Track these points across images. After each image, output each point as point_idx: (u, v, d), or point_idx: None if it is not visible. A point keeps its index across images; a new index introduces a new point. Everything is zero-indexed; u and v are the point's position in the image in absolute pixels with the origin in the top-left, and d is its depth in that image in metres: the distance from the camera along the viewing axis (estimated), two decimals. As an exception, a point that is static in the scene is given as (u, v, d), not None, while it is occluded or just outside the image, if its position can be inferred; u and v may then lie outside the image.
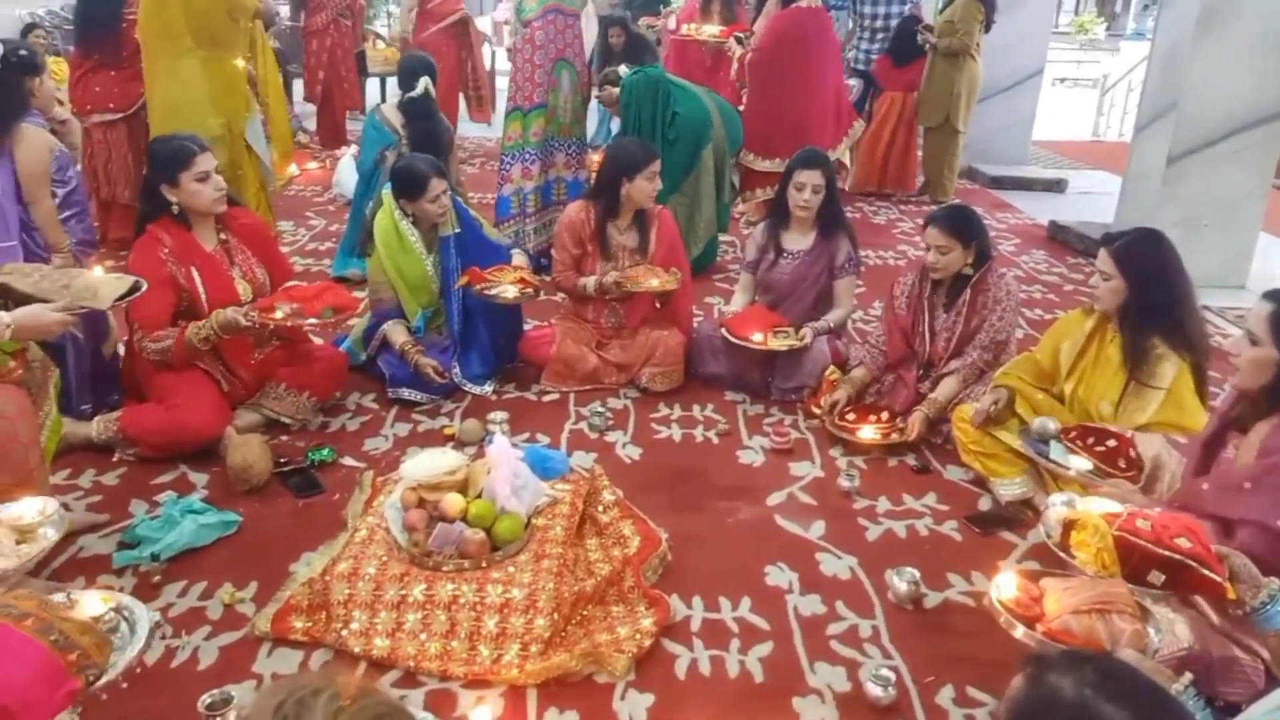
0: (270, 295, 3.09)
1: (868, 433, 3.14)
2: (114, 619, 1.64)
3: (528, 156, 4.73)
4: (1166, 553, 1.65)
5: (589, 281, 3.61)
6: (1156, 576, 1.66)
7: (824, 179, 3.50)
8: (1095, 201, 6.73)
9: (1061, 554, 1.83)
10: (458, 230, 3.53)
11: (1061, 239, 5.95)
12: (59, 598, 1.66)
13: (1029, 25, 7.60)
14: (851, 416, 3.20)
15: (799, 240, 3.63)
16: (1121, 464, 2.36)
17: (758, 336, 3.42)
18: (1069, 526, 1.84)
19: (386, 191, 3.48)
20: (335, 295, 3.12)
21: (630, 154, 3.56)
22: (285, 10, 6.71)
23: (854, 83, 7.00)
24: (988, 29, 6.50)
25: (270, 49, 4.93)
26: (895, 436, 3.12)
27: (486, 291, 3.38)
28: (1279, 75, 4.67)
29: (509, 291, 3.40)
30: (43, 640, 1.50)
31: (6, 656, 1.48)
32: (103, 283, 2.52)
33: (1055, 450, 2.54)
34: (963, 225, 3.09)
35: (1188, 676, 1.47)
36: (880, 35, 6.93)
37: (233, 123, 4.48)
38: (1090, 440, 2.48)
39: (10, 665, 1.47)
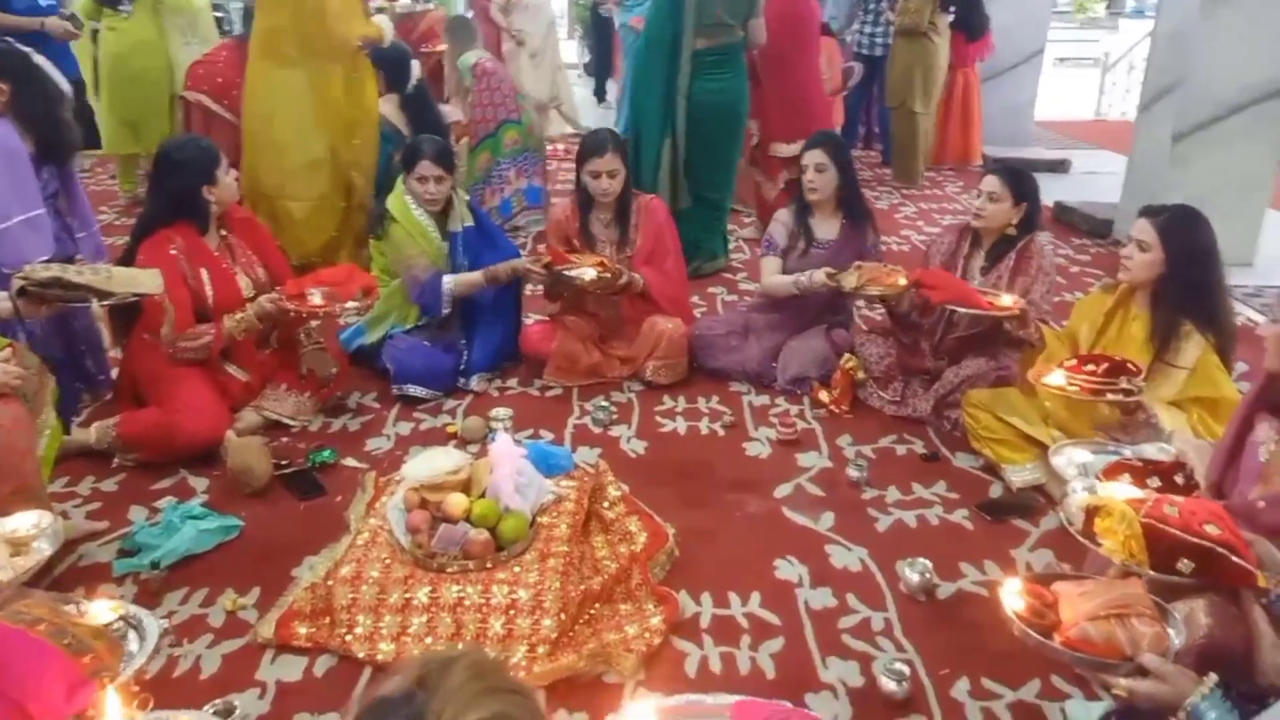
0: (296, 280, 3.06)
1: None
2: (122, 628, 1.62)
3: (504, 166, 5.03)
4: (1196, 540, 1.61)
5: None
6: (1185, 565, 1.60)
7: (828, 158, 3.44)
8: (1100, 182, 6.66)
9: (1086, 542, 1.77)
10: (468, 224, 3.50)
11: (1067, 220, 5.89)
12: (68, 608, 1.64)
13: (1029, 5, 7.55)
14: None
15: (827, 228, 3.55)
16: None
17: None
18: (1092, 513, 1.77)
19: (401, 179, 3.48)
20: (363, 278, 3.13)
21: (584, 142, 3.49)
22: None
23: (856, 66, 6.94)
24: (945, 8, 6.44)
25: (369, 83, 4.20)
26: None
27: (567, 272, 3.31)
28: (1286, 49, 4.60)
29: (588, 274, 3.30)
30: (57, 644, 1.49)
31: (23, 659, 1.46)
32: (134, 273, 2.58)
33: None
34: (1020, 181, 3.11)
35: (1213, 678, 1.41)
36: (883, 18, 6.87)
37: (339, 149, 4.19)
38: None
39: (28, 668, 1.45)
